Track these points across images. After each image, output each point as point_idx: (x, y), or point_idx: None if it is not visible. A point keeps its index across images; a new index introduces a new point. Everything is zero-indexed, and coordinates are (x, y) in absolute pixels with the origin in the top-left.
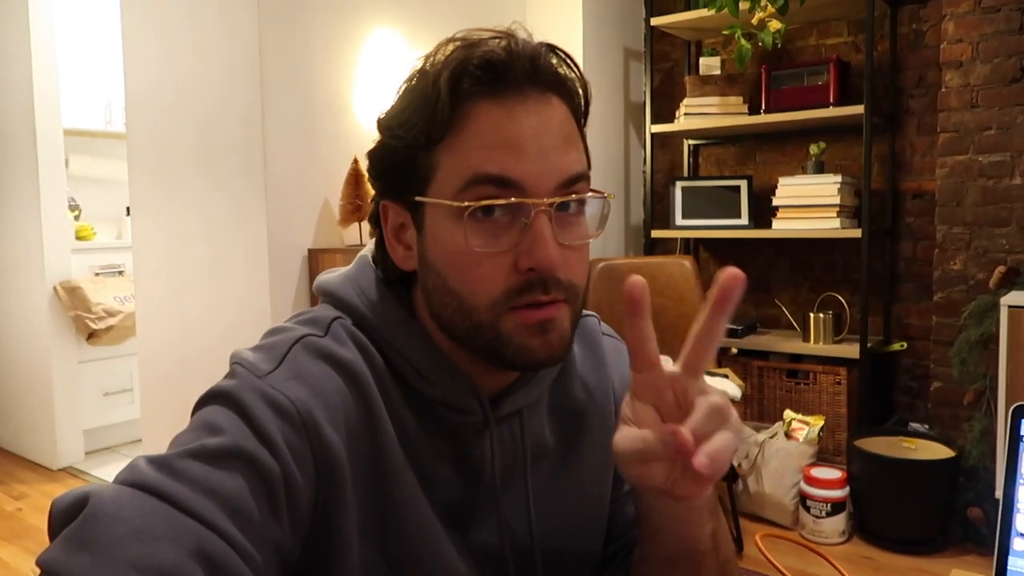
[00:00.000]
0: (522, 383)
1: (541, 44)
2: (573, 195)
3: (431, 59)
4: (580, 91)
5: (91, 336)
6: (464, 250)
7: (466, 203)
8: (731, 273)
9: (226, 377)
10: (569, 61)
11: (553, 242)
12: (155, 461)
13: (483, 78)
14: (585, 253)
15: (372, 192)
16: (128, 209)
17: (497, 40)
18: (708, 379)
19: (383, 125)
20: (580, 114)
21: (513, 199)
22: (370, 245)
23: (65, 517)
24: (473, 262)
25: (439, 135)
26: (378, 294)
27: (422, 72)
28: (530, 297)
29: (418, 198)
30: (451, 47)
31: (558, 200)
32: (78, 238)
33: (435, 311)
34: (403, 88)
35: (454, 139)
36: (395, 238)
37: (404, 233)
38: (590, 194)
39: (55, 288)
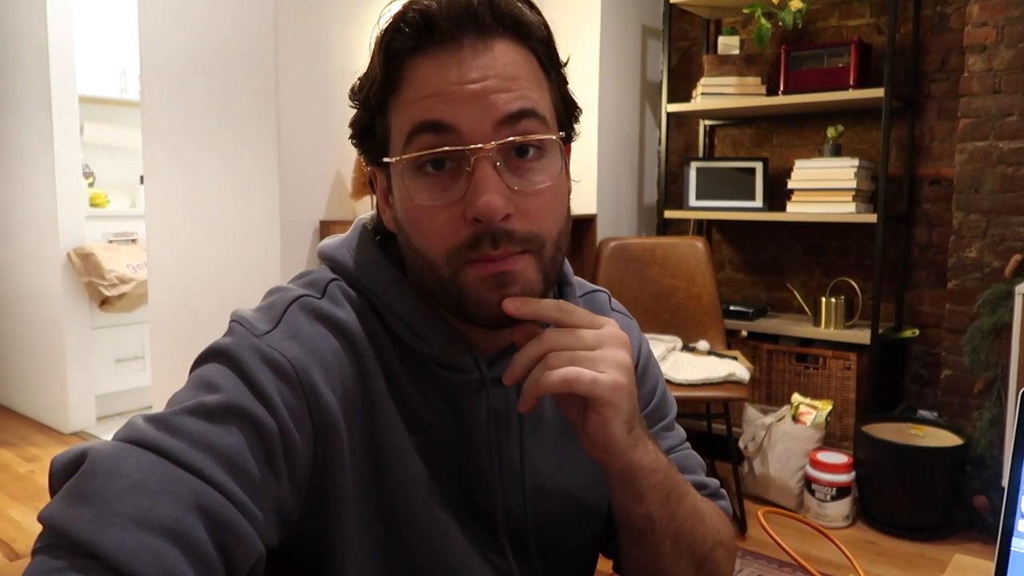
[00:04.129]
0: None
1: None
2: (516, 137)
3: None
4: (539, 31)
5: (104, 303)
6: (414, 206)
7: (406, 156)
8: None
9: (224, 335)
10: (522, 2)
11: (496, 189)
12: (153, 419)
13: (412, 34)
14: (548, 199)
15: None
16: (142, 177)
17: None
18: (717, 361)
19: (351, 93)
20: (543, 55)
21: (448, 147)
22: (370, 212)
23: (64, 473)
24: (426, 217)
25: (383, 97)
26: (369, 255)
27: (375, 37)
28: (479, 252)
29: (384, 159)
30: (394, 7)
31: (499, 143)
32: (92, 205)
33: (411, 268)
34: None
35: (396, 98)
36: (384, 201)
37: (389, 196)
38: (537, 136)
39: (69, 254)
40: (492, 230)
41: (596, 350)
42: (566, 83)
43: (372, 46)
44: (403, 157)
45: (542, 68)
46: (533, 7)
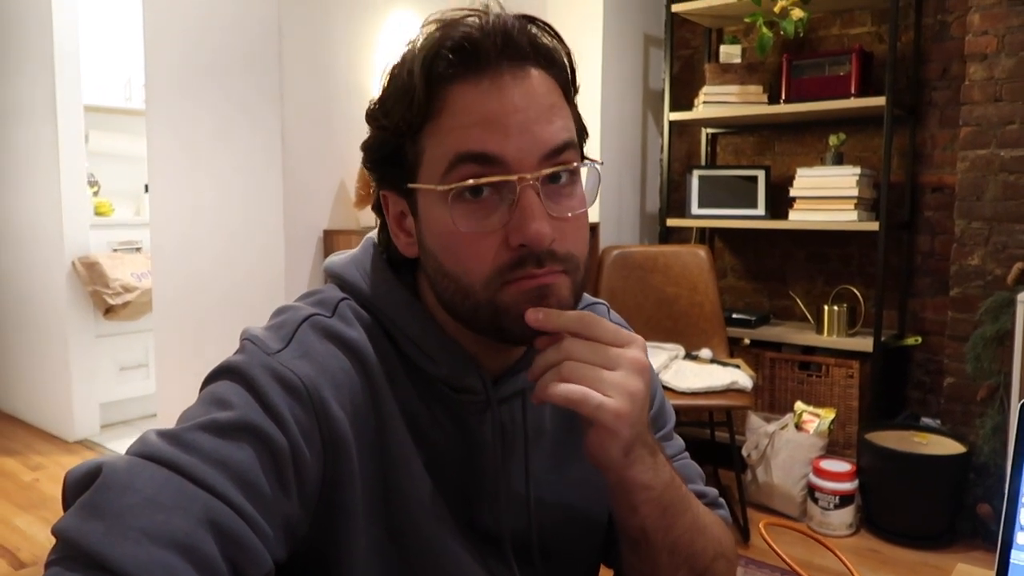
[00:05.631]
0: (525, 363)
1: (516, 17)
2: (560, 166)
3: (412, 45)
4: (564, 60)
5: (108, 311)
6: (454, 233)
7: (449, 186)
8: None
9: (236, 352)
10: (550, 31)
11: (543, 216)
12: (165, 434)
13: (455, 60)
14: (581, 223)
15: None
16: (147, 186)
17: (472, 18)
18: (720, 369)
19: (371, 116)
20: (566, 83)
21: (496, 176)
22: (375, 231)
23: (79, 487)
24: (464, 244)
25: (419, 122)
26: (381, 276)
27: (402, 60)
28: (523, 272)
29: (410, 185)
30: (427, 31)
31: (544, 173)
32: (97, 214)
33: (438, 294)
34: (387, 76)
35: (434, 124)
36: (397, 226)
37: (404, 221)
38: (576, 164)
39: (73, 263)
40: (537, 253)
41: (612, 371)
42: (576, 106)
43: (402, 69)
44: (452, 187)
45: (565, 95)
46: (558, 36)
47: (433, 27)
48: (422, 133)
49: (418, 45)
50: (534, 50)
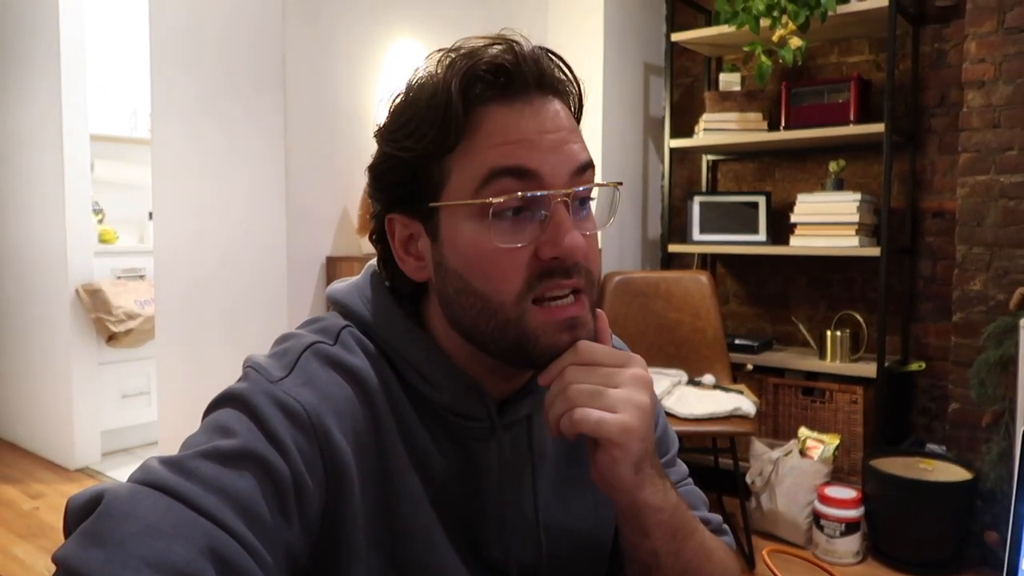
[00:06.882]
0: (530, 389)
1: (540, 49)
2: (590, 184)
3: (437, 67)
4: (576, 91)
5: (111, 338)
6: (485, 248)
7: (490, 199)
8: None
9: (239, 380)
10: (563, 64)
11: (575, 230)
12: (167, 461)
13: (494, 83)
14: (596, 243)
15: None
16: (151, 214)
17: (499, 46)
18: (723, 395)
19: (387, 138)
20: (578, 113)
21: (535, 191)
22: (376, 258)
23: (80, 514)
24: (494, 260)
25: (453, 141)
26: (383, 303)
27: (427, 82)
28: (551, 283)
29: (432, 204)
30: (453, 56)
31: (577, 190)
32: (101, 241)
33: (456, 317)
34: (401, 100)
35: (467, 143)
36: (404, 250)
37: (414, 244)
38: (606, 183)
39: (77, 290)
40: (567, 266)
41: (616, 388)
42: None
43: (431, 93)
44: (492, 201)
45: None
46: (571, 69)
47: (461, 52)
48: (452, 153)
49: (441, 69)
50: (556, 82)
